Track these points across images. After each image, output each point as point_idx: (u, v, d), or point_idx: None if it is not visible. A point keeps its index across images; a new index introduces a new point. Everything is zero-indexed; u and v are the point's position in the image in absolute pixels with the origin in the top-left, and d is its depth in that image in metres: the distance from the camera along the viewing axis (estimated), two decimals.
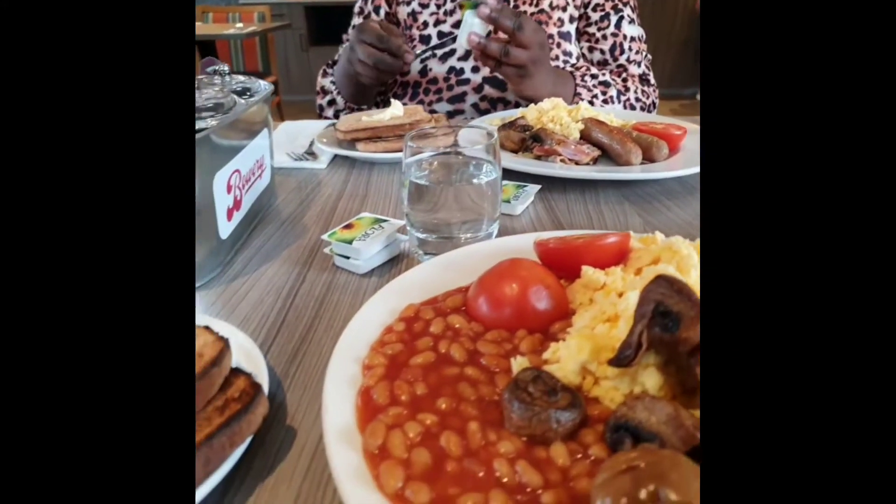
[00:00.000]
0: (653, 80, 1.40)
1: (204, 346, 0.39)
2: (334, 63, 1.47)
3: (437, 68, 1.36)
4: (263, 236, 0.73)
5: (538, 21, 1.33)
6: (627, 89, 1.32)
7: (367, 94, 1.36)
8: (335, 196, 0.87)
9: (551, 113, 1.00)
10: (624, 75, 1.35)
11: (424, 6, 1.39)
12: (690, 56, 5.57)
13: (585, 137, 0.95)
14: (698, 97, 5.58)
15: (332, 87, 1.38)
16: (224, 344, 0.39)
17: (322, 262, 0.66)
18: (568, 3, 1.35)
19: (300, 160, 1.01)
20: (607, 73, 1.30)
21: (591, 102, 1.25)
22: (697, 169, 0.84)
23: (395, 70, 1.14)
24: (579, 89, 1.24)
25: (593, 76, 1.27)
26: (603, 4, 1.35)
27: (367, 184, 0.92)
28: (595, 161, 0.91)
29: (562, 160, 0.89)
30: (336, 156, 1.03)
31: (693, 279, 0.44)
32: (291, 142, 1.12)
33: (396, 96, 1.44)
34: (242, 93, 0.76)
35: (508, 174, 0.88)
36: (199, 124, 0.60)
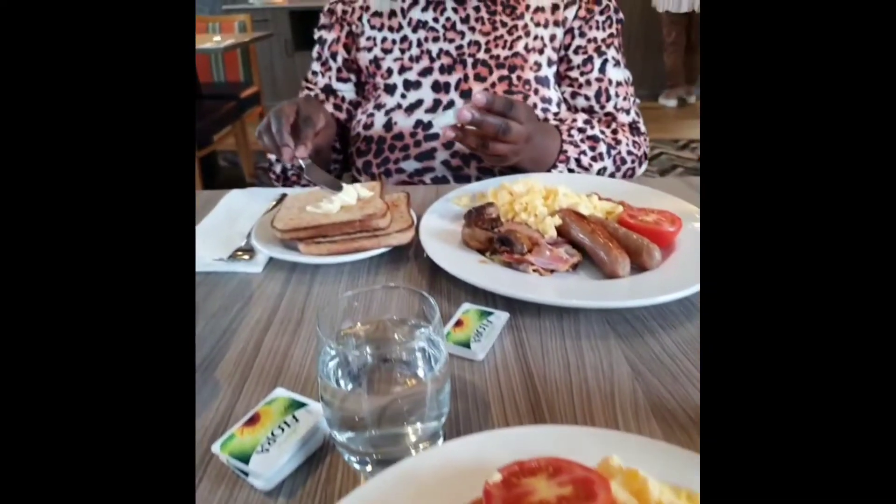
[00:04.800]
0: (643, 129, 1.26)
1: None
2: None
3: (403, 122, 1.21)
4: None
5: (513, 65, 1.19)
6: (618, 142, 1.17)
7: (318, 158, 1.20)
8: (265, 321, 0.73)
9: (524, 199, 0.86)
10: (613, 125, 1.21)
11: (387, 52, 1.24)
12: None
13: (563, 234, 0.80)
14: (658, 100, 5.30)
15: None
16: None
17: (220, 469, 0.51)
18: (545, 46, 1.21)
19: (233, 260, 0.86)
20: (595, 124, 1.16)
21: (577, 160, 1.10)
22: (696, 287, 0.70)
23: (283, 158, 0.96)
24: (565, 146, 1.10)
25: (580, 130, 1.13)
26: (585, 46, 1.21)
27: (307, 295, 0.78)
28: (575, 268, 0.76)
29: (535, 270, 0.75)
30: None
31: None
32: (231, 224, 0.97)
33: (360, 152, 1.30)
34: None
35: (475, 295, 0.74)
36: None
